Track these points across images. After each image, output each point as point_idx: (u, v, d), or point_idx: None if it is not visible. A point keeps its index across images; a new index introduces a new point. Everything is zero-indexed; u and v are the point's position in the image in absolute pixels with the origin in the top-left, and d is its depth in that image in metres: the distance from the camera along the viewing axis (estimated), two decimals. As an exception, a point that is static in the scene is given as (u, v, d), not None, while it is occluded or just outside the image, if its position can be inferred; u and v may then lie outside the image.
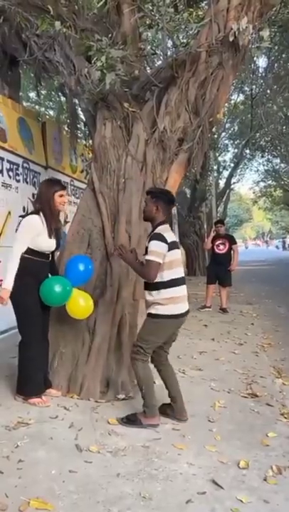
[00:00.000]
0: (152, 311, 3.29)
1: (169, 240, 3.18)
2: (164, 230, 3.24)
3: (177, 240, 3.62)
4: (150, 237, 3.23)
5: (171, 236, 3.24)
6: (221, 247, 8.77)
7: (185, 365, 4.95)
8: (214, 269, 8.85)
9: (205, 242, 9.56)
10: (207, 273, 9.36)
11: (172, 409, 3.50)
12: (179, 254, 3.33)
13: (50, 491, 2.43)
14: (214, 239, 8.87)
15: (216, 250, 8.81)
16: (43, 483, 2.51)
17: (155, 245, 3.14)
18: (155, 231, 3.25)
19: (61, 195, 3.60)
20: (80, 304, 3.73)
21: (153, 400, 3.34)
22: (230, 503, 2.47)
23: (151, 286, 3.26)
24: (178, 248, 3.34)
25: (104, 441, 3.05)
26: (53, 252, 3.76)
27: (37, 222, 3.50)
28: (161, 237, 3.16)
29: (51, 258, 3.77)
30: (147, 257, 3.16)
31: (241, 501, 2.49)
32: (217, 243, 8.80)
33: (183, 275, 3.36)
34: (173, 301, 3.27)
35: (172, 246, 3.22)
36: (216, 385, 4.36)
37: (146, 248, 3.27)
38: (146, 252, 3.26)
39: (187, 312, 3.42)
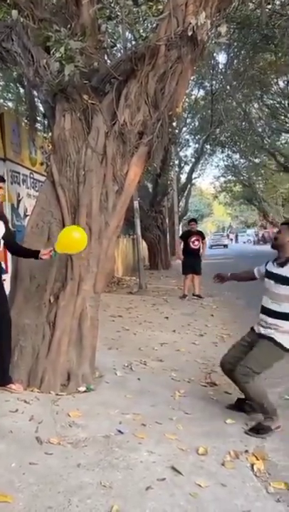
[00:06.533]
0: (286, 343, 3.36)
1: None
2: None
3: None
4: None
5: None
6: (196, 242, 9.97)
7: (146, 356, 5.01)
8: (190, 261, 9.88)
9: (177, 253, 10.53)
10: (184, 266, 10.17)
11: (249, 405, 3.56)
12: None
13: (10, 484, 2.42)
14: (189, 235, 10.07)
15: (192, 246, 9.93)
16: (3, 476, 2.49)
17: None
18: None
19: (0, 187, 3.71)
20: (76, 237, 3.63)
21: (273, 405, 3.41)
22: (189, 487, 2.54)
23: None
24: None
25: (64, 433, 3.05)
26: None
27: None
28: None
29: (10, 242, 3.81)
30: None
31: (200, 486, 2.56)
32: (192, 240, 9.95)
33: None
34: None
35: None
36: (177, 375, 4.44)
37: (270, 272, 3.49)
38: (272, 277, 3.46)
39: None
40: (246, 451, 3.00)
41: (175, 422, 3.38)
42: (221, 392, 4.04)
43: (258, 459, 2.90)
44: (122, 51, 5.69)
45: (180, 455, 2.90)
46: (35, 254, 3.74)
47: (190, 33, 3.93)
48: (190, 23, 3.94)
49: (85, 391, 3.80)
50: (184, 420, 3.43)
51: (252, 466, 2.83)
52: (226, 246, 44.03)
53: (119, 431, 3.15)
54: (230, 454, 2.94)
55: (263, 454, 2.99)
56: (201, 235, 10.23)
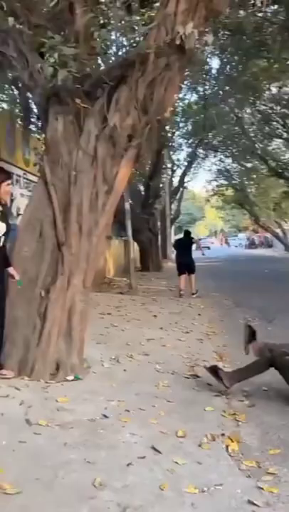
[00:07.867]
0: None
1: None
2: None
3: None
4: None
5: None
6: None
7: (133, 350, 5.20)
8: None
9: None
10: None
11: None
12: None
13: (1, 458, 2.61)
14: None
15: None
16: (-6, 452, 2.68)
17: None
18: None
19: (8, 184, 3.94)
20: None
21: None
22: (167, 464, 2.73)
23: None
24: None
25: (53, 417, 3.24)
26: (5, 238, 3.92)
27: None
28: None
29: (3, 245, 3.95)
30: None
31: (177, 463, 2.76)
32: None
33: None
34: None
35: None
36: (161, 367, 4.63)
37: None
38: None
39: None
40: (222, 434, 3.20)
41: (157, 409, 3.57)
42: (203, 384, 4.24)
43: (232, 441, 3.10)
44: (113, 57, 5.90)
45: (160, 437, 3.10)
46: (8, 264, 4.02)
47: (178, 42, 4.15)
48: (178, 33, 4.16)
49: (73, 380, 3.99)
50: (166, 407, 3.63)
51: (227, 447, 3.03)
52: (208, 248, 49.64)
53: (104, 415, 3.34)
54: (207, 437, 3.14)
55: (238, 437, 3.19)
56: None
